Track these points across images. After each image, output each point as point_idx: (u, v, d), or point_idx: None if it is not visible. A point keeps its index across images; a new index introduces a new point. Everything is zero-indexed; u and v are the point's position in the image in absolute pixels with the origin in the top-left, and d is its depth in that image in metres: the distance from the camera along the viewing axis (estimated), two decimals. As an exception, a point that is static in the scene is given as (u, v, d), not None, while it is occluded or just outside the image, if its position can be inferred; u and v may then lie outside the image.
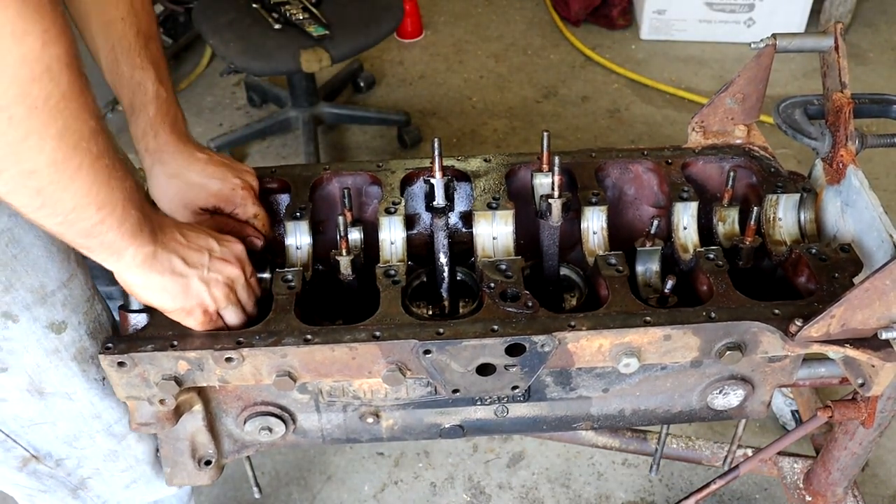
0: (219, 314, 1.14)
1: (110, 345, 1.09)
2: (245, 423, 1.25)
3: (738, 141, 1.43)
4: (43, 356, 1.12)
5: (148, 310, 1.14)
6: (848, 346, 1.12)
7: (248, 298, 1.17)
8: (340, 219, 1.22)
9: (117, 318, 1.18)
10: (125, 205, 0.94)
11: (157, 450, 1.34)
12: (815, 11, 3.73)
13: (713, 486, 1.59)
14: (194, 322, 1.11)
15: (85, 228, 0.92)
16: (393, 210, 1.30)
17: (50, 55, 0.77)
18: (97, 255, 0.98)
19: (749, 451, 1.76)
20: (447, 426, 1.32)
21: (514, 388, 1.17)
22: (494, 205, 1.29)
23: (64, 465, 1.26)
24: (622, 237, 1.35)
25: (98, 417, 1.23)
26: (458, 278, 1.32)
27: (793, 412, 2.13)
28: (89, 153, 0.86)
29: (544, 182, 1.31)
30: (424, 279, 1.32)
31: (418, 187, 1.39)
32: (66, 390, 1.17)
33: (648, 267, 1.30)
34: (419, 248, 1.37)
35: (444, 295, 1.31)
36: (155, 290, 1.06)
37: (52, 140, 0.81)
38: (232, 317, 1.15)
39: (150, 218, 1.01)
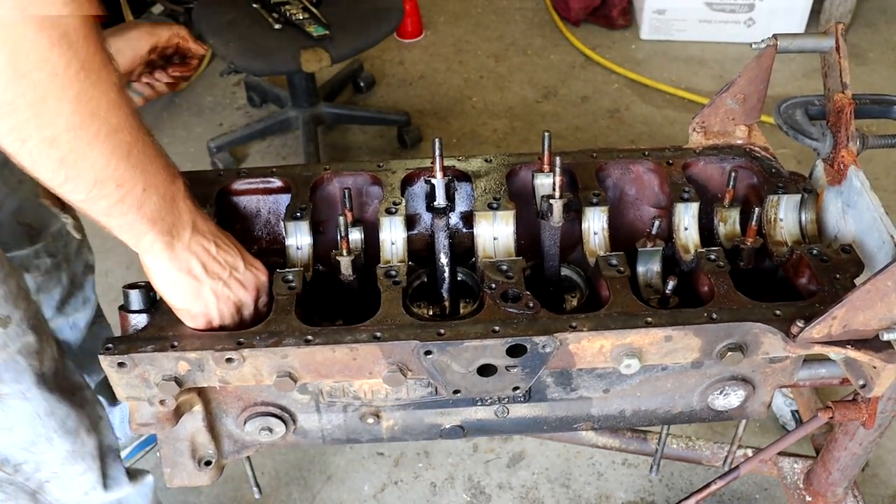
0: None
1: (110, 345, 1.09)
2: (245, 423, 1.25)
3: (739, 141, 1.43)
4: None
5: (147, 310, 1.15)
6: (849, 347, 1.12)
7: (251, 322, 1.19)
8: (341, 219, 1.21)
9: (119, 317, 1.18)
10: (146, 188, 0.96)
11: (110, 446, 1.39)
12: (815, 11, 3.73)
13: (713, 487, 1.58)
14: (194, 326, 1.13)
15: (105, 207, 0.94)
16: (393, 210, 1.30)
17: (67, 23, 0.79)
18: (121, 236, 1.00)
19: (749, 452, 1.76)
20: (447, 426, 1.32)
21: (515, 388, 1.17)
22: (495, 205, 1.29)
23: (22, 471, 1.28)
24: (623, 238, 1.35)
25: (52, 414, 1.25)
26: (459, 279, 1.32)
27: (793, 412, 2.13)
28: (107, 122, 0.88)
29: (545, 182, 1.31)
30: (425, 279, 1.32)
31: (419, 187, 1.39)
32: (20, 388, 1.20)
33: (649, 267, 1.30)
34: (420, 249, 1.37)
35: (445, 295, 1.31)
36: (168, 284, 1.08)
37: (69, 103, 0.83)
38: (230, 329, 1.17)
39: (177, 211, 1.03)
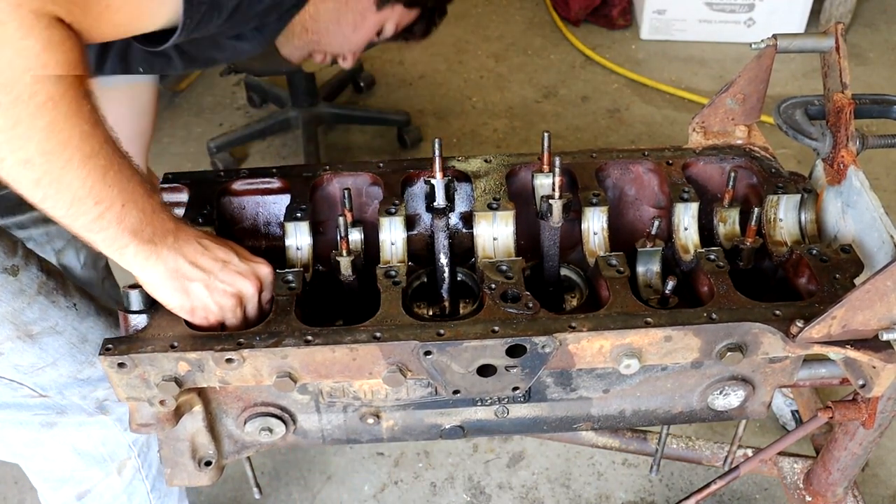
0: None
1: (110, 346, 1.09)
2: (245, 423, 1.25)
3: (739, 141, 1.43)
4: (12, 299, 1.20)
5: (148, 311, 1.15)
6: (849, 347, 1.12)
7: (256, 317, 1.19)
8: (341, 219, 1.22)
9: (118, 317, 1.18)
10: (125, 204, 1.00)
11: None
12: (815, 11, 3.73)
13: (713, 487, 1.58)
14: (196, 322, 1.14)
15: (86, 223, 0.99)
16: (393, 210, 1.30)
17: (40, 62, 0.87)
18: (104, 250, 1.04)
19: (749, 452, 1.75)
20: (447, 427, 1.32)
21: (515, 388, 1.17)
22: (495, 205, 1.29)
23: (69, 398, 1.34)
24: (623, 238, 1.35)
25: (86, 340, 1.30)
26: (459, 279, 1.32)
27: (793, 412, 2.13)
28: (80, 150, 0.93)
29: (545, 183, 1.31)
30: (425, 280, 1.32)
31: (419, 188, 1.39)
32: (50, 325, 1.25)
33: (649, 268, 1.30)
34: (420, 249, 1.37)
35: (445, 296, 1.31)
36: (156, 286, 1.10)
37: (39, 132, 0.89)
38: (234, 326, 1.17)
39: (158, 221, 1.06)
